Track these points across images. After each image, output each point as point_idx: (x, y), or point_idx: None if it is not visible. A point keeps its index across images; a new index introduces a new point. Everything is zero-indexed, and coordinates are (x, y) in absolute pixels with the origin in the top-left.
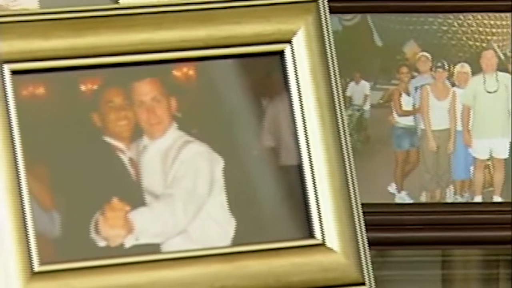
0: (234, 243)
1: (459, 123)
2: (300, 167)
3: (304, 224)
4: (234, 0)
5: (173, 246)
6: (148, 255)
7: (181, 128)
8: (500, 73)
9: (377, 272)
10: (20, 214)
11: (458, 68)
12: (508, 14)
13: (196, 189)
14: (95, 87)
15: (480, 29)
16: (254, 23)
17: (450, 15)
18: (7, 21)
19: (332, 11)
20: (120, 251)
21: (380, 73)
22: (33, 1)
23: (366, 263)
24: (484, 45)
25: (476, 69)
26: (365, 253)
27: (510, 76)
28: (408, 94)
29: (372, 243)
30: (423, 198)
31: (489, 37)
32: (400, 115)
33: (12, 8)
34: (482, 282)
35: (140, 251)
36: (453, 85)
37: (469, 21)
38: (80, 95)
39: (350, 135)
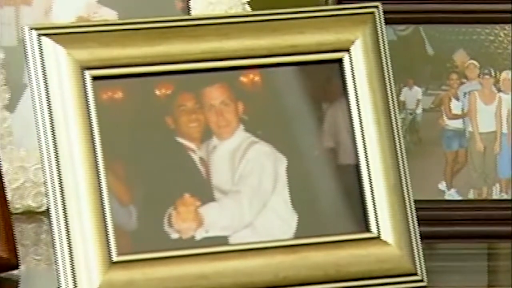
0: (296, 236)
1: (504, 126)
2: (357, 166)
3: (361, 218)
4: (297, 12)
5: (240, 238)
6: (217, 247)
7: (247, 129)
8: None
9: (428, 263)
10: (100, 208)
11: (504, 75)
12: None
13: (261, 186)
14: (168, 92)
15: None
16: (315, 33)
17: (497, 26)
18: (88, 31)
19: (387, 22)
20: (191, 243)
21: (431, 80)
22: (112, 13)
23: (418, 255)
24: None
25: None
26: (417, 246)
27: None
28: (457, 99)
29: (423, 236)
30: (471, 195)
31: None
32: (449, 119)
33: (93, 19)
34: None
35: (210, 243)
36: (499, 90)
37: None
38: (155, 99)
39: (403, 136)
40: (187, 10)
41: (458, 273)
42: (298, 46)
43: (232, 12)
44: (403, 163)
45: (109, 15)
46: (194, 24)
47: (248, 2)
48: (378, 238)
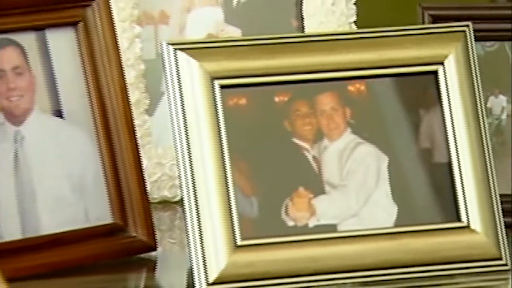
0: (396, 224)
1: None
2: (449, 164)
3: (452, 210)
4: (398, 30)
5: (347, 226)
6: (327, 233)
7: (354, 132)
8: None
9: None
10: (226, 199)
11: None
12: None
13: (365, 181)
14: (286, 99)
15: None
16: (414, 48)
17: None
18: (217, 46)
19: (477, 39)
20: (305, 229)
21: None
22: (237, 31)
23: (503, 242)
24: None
25: None
26: (502, 234)
27: None
28: None
29: (507, 226)
30: None
31: None
32: None
33: (221, 36)
34: None
35: (321, 230)
36: None
37: None
38: (274, 105)
39: (490, 139)
40: (302, 28)
41: None
42: (399, 60)
43: (341, 30)
44: (490, 161)
45: (235, 32)
46: (308, 40)
47: (354, 21)
48: (467, 227)
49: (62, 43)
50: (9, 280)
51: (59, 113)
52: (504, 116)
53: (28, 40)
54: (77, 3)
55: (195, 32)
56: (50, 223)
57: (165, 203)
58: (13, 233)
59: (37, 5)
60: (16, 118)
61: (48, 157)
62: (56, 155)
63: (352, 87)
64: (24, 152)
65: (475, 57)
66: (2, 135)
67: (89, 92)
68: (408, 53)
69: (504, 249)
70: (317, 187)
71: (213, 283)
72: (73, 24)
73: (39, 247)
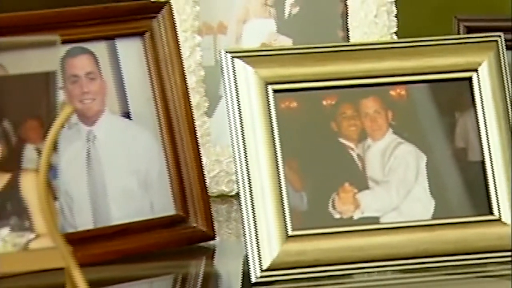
0: (434, 217)
1: None
2: (482, 162)
3: (485, 204)
4: (435, 40)
5: (389, 219)
6: (370, 225)
7: (395, 132)
8: None
9: None
10: (278, 193)
11: None
12: None
13: (406, 178)
14: (333, 102)
15: None
16: (450, 56)
17: None
18: (270, 54)
19: (508, 48)
20: (350, 221)
21: None
22: (288, 40)
23: None
24: None
25: None
26: None
27: None
28: None
29: None
30: None
31: None
32: None
33: (273, 45)
34: None
35: (365, 222)
36: None
37: None
38: (322, 108)
39: None
40: (347, 38)
41: None
42: (436, 67)
43: (383, 39)
44: None
45: (286, 42)
46: (353, 49)
47: (395, 32)
48: (499, 220)
49: (130, 51)
50: (82, 265)
51: (127, 115)
52: None
53: (99, 48)
54: (144, 15)
55: (250, 42)
56: (119, 214)
57: (223, 197)
58: (86, 223)
59: (108, 17)
60: (88, 119)
61: (117, 154)
62: (124, 152)
63: (393, 92)
64: (96, 150)
65: (506, 65)
66: (76, 135)
67: (154, 96)
68: (444, 61)
69: None
70: (361, 182)
71: (267, 270)
72: (141, 34)
73: (109, 236)
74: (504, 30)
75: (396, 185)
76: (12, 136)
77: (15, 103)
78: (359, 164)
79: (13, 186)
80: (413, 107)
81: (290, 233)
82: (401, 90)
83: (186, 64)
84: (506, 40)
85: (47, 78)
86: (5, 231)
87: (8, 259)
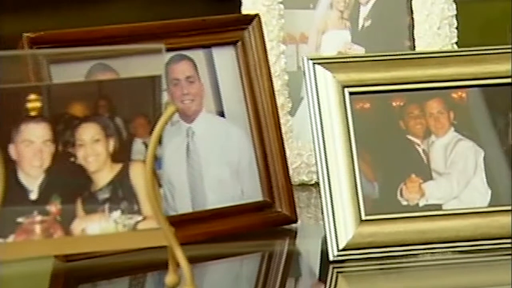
0: (490, 205)
1: None
2: None
3: None
4: (492, 49)
5: (450, 206)
6: (434, 211)
7: (456, 130)
8: None
9: None
10: (353, 182)
11: None
12: None
13: (465, 170)
14: (401, 103)
15: None
16: (505, 63)
17: None
18: (346, 61)
19: None
20: (416, 208)
21: None
22: (361, 49)
23: None
24: None
25: None
26: None
27: None
28: None
29: None
30: None
31: None
32: None
33: (348, 53)
34: None
35: (429, 208)
36: None
37: None
38: (392, 109)
39: None
40: (413, 47)
41: None
42: (493, 73)
43: (445, 48)
44: None
45: (359, 50)
46: (419, 57)
47: (456, 42)
48: None
49: (225, 58)
50: (182, 244)
51: (221, 113)
52: None
53: (198, 55)
54: (237, 27)
55: (328, 50)
56: (214, 199)
57: (303, 186)
58: (185, 207)
59: (205, 29)
60: (188, 117)
61: (213, 148)
62: (219, 146)
63: (455, 94)
64: (194, 144)
65: None
66: (177, 131)
67: (245, 97)
68: (500, 67)
69: None
70: (426, 174)
71: (343, 249)
72: (233, 43)
73: (205, 219)
74: None
75: (457, 177)
76: (123, 132)
77: (125, 103)
78: (424, 158)
79: (124, 175)
80: (472, 108)
81: (363, 217)
82: (461, 93)
83: (272, 70)
84: None
85: (153, 81)
86: (117, 213)
87: (119, 238)
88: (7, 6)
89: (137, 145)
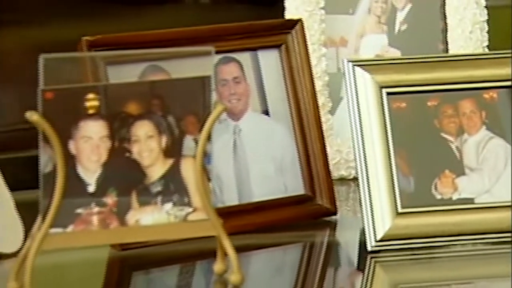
0: None
1: None
2: None
3: None
4: None
5: (482, 199)
6: (466, 205)
7: (488, 129)
8: None
9: None
10: (390, 177)
11: None
12: None
13: (496, 166)
14: (435, 103)
15: None
16: None
17: None
18: (384, 63)
19: None
20: (449, 201)
21: None
22: (398, 52)
23: None
24: None
25: None
26: None
27: None
28: None
29: None
30: None
31: None
32: None
33: (386, 56)
34: None
35: (462, 202)
36: None
37: None
38: (427, 108)
39: None
40: (446, 50)
41: None
42: None
43: (477, 51)
44: None
45: (396, 53)
46: (452, 59)
47: (487, 46)
48: None
49: (269, 60)
50: (230, 234)
51: (266, 112)
52: None
53: (244, 57)
54: (281, 31)
55: (366, 53)
56: (259, 193)
57: (343, 180)
58: (232, 200)
59: (251, 32)
60: (235, 115)
61: (258, 144)
62: (263, 143)
63: (486, 95)
64: (241, 141)
65: None
66: (225, 128)
67: (288, 97)
68: None
69: None
70: (459, 170)
71: (380, 240)
72: (278, 46)
73: (251, 211)
74: None
75: (488, 172)
76: (175, 129)
77: (177, 102)
78: (457, 154)
79: (175, 169)
80: (503, 107)
81: (400, 210)
82: (493, 94)
83: (314, 71)
84: None
85: (203, 82)
86: (169, 205)
87: (171, 228)
88: (68, 12)
89: (188, 141)
